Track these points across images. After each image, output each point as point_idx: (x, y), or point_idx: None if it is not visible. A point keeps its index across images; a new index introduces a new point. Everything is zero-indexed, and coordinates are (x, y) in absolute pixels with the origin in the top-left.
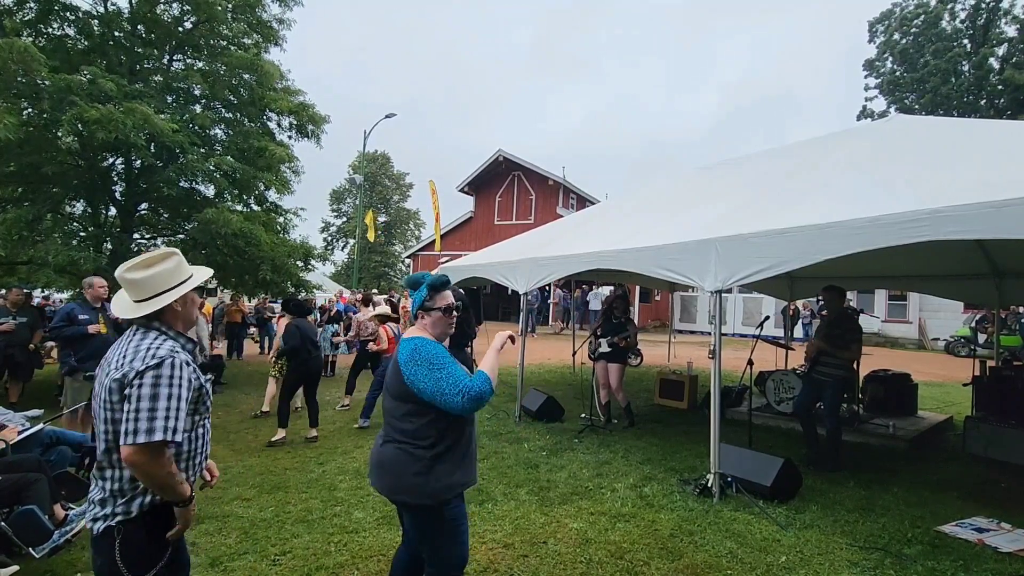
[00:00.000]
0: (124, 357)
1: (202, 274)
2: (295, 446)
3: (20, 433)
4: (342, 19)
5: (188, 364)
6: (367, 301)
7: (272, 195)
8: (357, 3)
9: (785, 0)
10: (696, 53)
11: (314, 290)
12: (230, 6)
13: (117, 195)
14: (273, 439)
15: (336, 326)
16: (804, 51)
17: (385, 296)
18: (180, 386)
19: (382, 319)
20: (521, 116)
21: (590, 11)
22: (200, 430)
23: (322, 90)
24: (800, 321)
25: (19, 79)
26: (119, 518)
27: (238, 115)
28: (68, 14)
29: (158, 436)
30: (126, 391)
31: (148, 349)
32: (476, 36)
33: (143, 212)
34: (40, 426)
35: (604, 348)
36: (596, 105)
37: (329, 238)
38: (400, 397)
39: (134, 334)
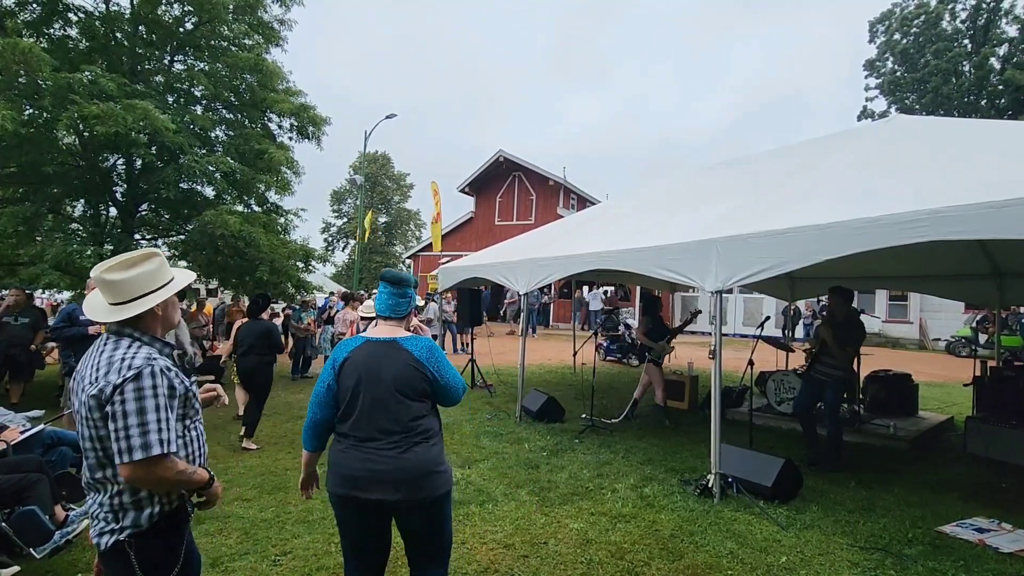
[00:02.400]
0: (97, 370)
1: (184, 277)
2: (296, 447)
3: (22, 434)
4: (347, 22)
5: (169, 369)
6: (348, 298)
7: (272, 196)
8: (365, 6)
9: (796, 3)
10: (708, 57)
11: (314, 291)
12: (231, 7)
13: (118, 196)
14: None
15: (335, 327)
16: (815, 53)
17: None
18: (163, 395)
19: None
20: (531, 119)
21: (602, 16)
22: (193, 433)
23: (327, 92)
24: (801, 321)
25: (20, 79)
26: (129, 531)
27: (239, 116)
28: (71, 15)
29: (155, 451)
30: (106, 408)
31: (123, 360)
32: (485, 40)
33: (144, 213)
34: (41, 426)
35: (668, 350)
36: (608, 109)
37: (330, 239)
38: (419, 396)
39: (105, 343)
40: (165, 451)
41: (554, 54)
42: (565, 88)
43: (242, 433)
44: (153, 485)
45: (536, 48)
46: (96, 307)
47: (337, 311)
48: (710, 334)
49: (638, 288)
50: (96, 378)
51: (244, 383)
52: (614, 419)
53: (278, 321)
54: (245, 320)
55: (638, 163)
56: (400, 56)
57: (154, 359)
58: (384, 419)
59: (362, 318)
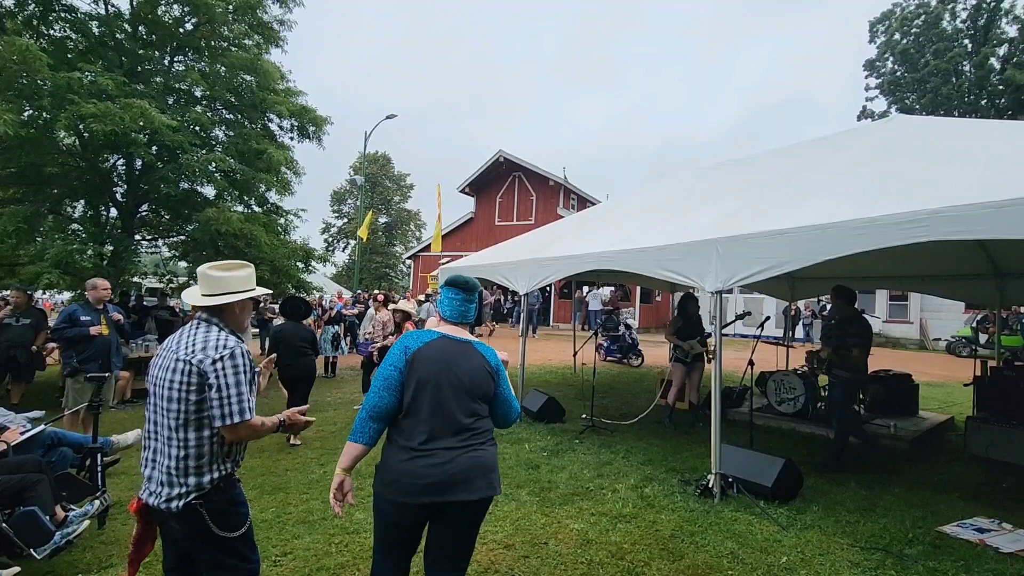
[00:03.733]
0: (194, 346)
1: (261, 290)
2: (296, 448)
3: (22, 434)
4: (353, 26)
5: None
6: (388, 301)
7: (273, 196)
8: (372, 11)
9: (804, 7)
10: (716, 60)
11: (314, 292)
12: (231, 7)
13: (118, 196)
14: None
15: (336, 327)
16: (822, 56)
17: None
18: (248, 372)
19: (405, 316)
20: (537, 121)
21: (609, 21)
22: None
23: (331, 93)
24: (801, 322)
25: (20, 80)
26: (194, 495)
27: (239, 116)
28: (68, 14)
29: (248, 416)
30: (210, 379)
31: (218, 340)
32: (492, 43)
33: (144, 213)
34: (42, 427)
35: (698, 349)
36: (614, 111)
37: (330, 239)
38: (486, 399)
39: (196, 327)
40: (252, 416)
41: (561, 58)
42: (572, 91)
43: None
44: (243, 439)
45: (543, 52)
46: (191, 294)
47: (338, 311)
48: (710, 335)
49: (638, 288)
50: (193, 351)
51: (292, 385)
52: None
53: (279, 322)
54: (282, 323)
55: (644, 164)
56: (407, 60)
57: (241, 343)
58: (455, 415)
59: (398, 310)
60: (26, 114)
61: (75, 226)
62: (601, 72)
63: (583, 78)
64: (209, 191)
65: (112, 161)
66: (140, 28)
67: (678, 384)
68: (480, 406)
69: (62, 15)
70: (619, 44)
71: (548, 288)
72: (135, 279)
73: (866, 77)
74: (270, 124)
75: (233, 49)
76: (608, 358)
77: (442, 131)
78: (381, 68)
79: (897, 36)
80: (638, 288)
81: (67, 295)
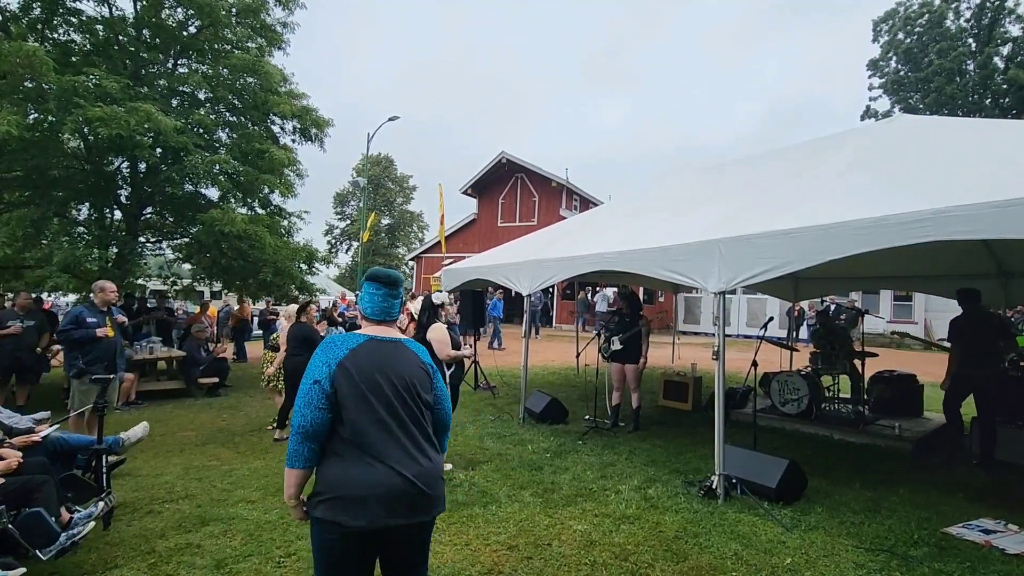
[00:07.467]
0: None
1: None
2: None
3: (43, 436)
4: (367, 34)
5: None
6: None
7: (276, 198)
8: (389, 21)
9: (824, 11)
10: (736, 64)
11: (317, 293)
12: (234, 10)
13: (122, 199)
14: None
15: (338, 328)
16: (842, 57)
17: None
18: None
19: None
20: (553, 125)
21: (638, 29)
22: None
23: (338, 95)
24: (805, 322)
25: (25, 83)
26: None
27: (242, 119)
28: (72, 18)
29: None
30: None
31: None
32: (501, 48)
33: (148, 216)
34: (55, 426)
35: (616, 346)
36: (630, 115)
37: (333, 241)
38: (428, 401)
39: None
40: None
41: (582, 64)
42: (591, 95)
43: (274, 425)
44: None
45: (565, 58)
46: None
47: (341, 312)
48: (714, 335)
49: (641, 289)
50: None
51: (289, 381)
52: (610, 421)
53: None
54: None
55: (660, 167)
56: (419, 65)
57: None
58: (405, 423)
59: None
60: (31, 117)
61: (80, 229)
62: (621, 77)
63: (603, 83)
64: (213, 193)
65: (116, 164)
66: (144, 31)
67: (615, 384)
68: (423, 408)
69: (67, 18)
70: (641, 51)
71: (551, 289)
72: (139, 281)
73: (869, 77)
74: (272, 127)
75: (236, 52)
76: None
77: (451, 134)
78: (386, 73)
79: (900, 35)
80: (641, 289)
81: (72, 297)
